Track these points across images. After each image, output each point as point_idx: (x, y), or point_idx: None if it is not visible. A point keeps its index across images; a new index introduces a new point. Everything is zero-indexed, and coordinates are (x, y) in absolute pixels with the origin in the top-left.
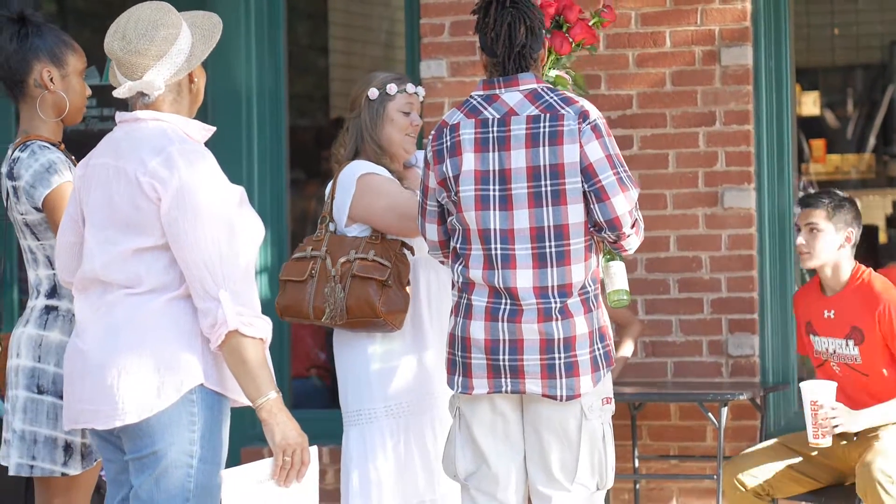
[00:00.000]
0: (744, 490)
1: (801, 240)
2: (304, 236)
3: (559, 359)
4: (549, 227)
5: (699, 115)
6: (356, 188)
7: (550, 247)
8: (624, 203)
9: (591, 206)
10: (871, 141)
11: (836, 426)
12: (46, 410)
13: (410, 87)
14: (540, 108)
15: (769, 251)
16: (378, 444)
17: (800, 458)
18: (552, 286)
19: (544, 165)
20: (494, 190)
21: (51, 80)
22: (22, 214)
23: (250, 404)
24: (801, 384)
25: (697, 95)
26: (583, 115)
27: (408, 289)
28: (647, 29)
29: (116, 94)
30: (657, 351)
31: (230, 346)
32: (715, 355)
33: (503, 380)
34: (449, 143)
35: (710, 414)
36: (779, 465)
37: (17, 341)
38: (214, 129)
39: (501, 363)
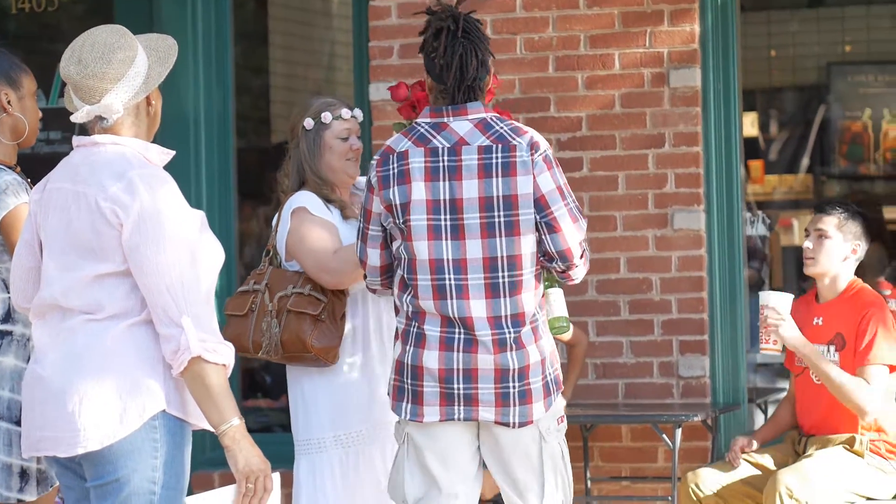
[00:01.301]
0: (698, 501)
1: (808, 244)
2: (245, 258)
3: (513, 388)
4: (502, 257)
5: (648, 136)
6: (290, 224)
7: (504, 276)
8: (575, 234)
9: (543, 236)
10: (807, 161)
11: (776, 326)
12: (2, 437)
13: (346, 113)
14: (491, 139)
15: (719, 272)
16: (327, 475)
17: (758, 473)
18: (505, 315)
19: (497, 196)
20: (446, 220)
21: (8, 102)
22: None
23: (210, 428)
24: (760, 292)
25: (647, 117)
26: (534, 147)
27: (348, 322)
28: (597, 51)
29: (74, 118)
30: (608, 372)
31: (193, 372)
32: (666, 376)
33: (456, 407)
34: (396, 170)
35: (664, 435)
36: (735, 478)
37: None
38: (174, 152)
39: (455, 391)
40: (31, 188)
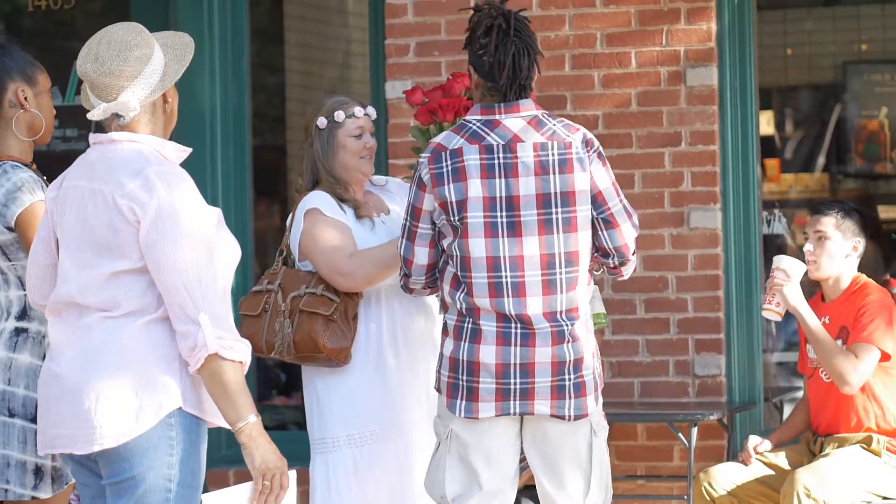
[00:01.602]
0: (711, 501)
1: (808, 247)
2: (261, 255)
3: (569, 380)
4: (559, 253)
5: (665, 135)
6: (303, 224)
7: (561, 273)
8: (630, 230)
9: (599, 232)
10: (824, 160)
11: (780, 286)
12: (17, 434)
13: (359, 111)
14: (545, 136)
15: (735, 271)
16: (341, 473)
17: (772, 473)
18: (561, 311)
19: (555, 193)
20: (502, 217)
21: (25, 98)
22: None
23: (226, 426)
24: (775, 257)
25: (663, 116)
26: (588, 143)
27: (361, 323)
28: (613, 49)
29: (91, 116)
30: (623, 371)
31: (210, 369)
32: (681, 375)
33: (511, 402)
34: (451, 168)
35: (680, 434)
36: (749, 478)
37: None
38: (190, 150)
39: (512, 386)
40: (47, 186)
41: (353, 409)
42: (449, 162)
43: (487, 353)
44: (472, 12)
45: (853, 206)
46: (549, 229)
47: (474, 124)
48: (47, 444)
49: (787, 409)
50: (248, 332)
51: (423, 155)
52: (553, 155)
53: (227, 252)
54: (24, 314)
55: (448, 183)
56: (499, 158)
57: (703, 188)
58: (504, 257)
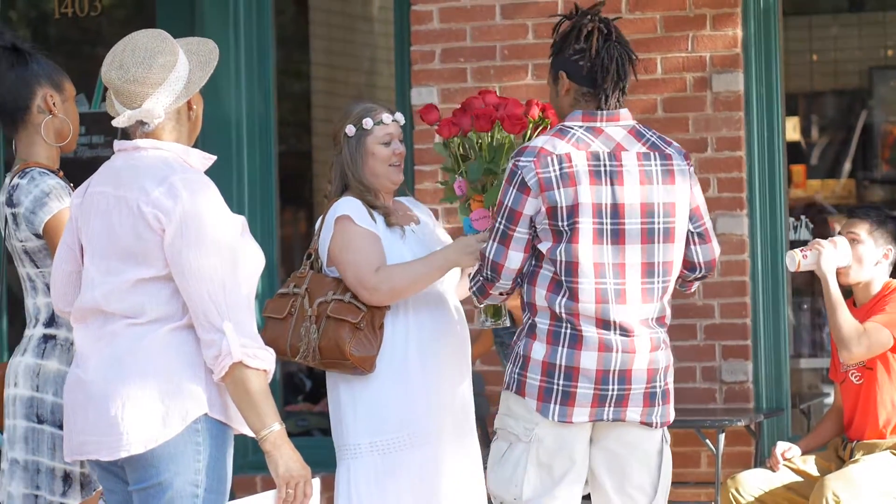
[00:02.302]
0: None
1: (837, 237)
2: (287, 262)
3: (659, 387)
4: (658, 262)
5: (691, 141)
6: (333, 230)
7: (658, 282)
8: (717, 246)
9: (692, 246)
10: (850, 166)
11: (820, 247)
12: (46, 440)
13: (387, 117)
14: (646, 146)
15: (762, 277)
16: (362, 481)
17: (800, 479)
18: (654, 318)
19: (658, 203)
20: (606, 224)
21: (53, 104)
22: (21, 241)
23: (250, 434)
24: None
25: (689, 122)
26: (687, 157)
27: (388, 331)
28: (639, 55)
29: (115, 123)
30: None
31: (234, 377)
32: (708, 381)
33: (606, 408)
34: (559, 172)
35: (707, 440)
36: (777, 484)
37: (15, 370)
38: (215, 157)
39: (609, 392)
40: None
41: (376, 417)
42: (557, 166)
43: (589, 359)
44: (559, 19)
45: (890, 214)
46: (650, 238)
47: (577, 130)
48: (74, 451)
49: (815, 416)
50: (273, 335)
51: (522, 159)
52: (655, 165)
53: (252, 260)
54: (52, 321)
55: (558, 187)
56: (605, 166)
57: (729, 194)
58: (607, 263)
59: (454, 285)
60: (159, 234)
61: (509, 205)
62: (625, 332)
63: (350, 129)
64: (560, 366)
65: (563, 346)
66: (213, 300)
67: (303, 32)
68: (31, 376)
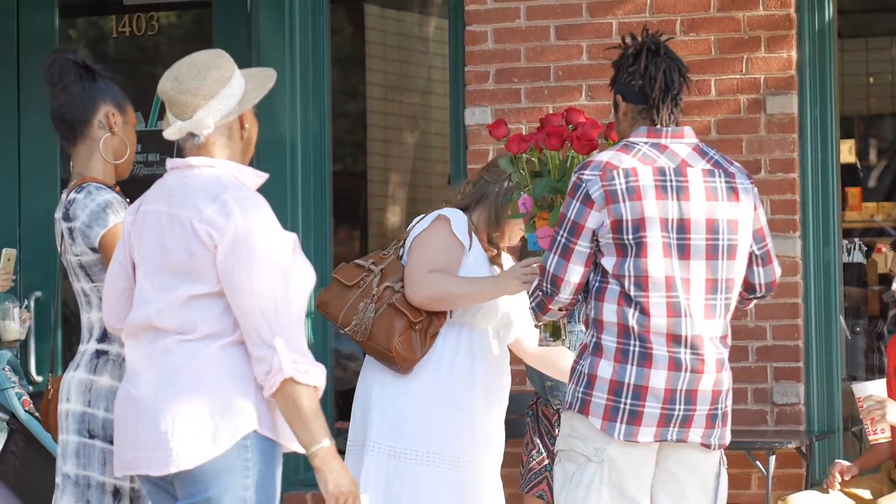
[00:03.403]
0: None
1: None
2: None
3: (720, 409)
4: (722, 279)
5: (744, 163)
6: (428, 224)
7: (721, 299)
8: (778, 268)
9: (755, 267)
10: None
11: (882, 414)
12: (97, 455)
13: None
14: (710, 164)
15: (814, 299)
16: (372, 479)
17: (852, 502)
18: (718, 337)
19: (722, 219)
20: (673, 238)
21: (115, 123)
22: (77, 256)
23: (299, 450)
24: (853, 385)
25: (743, 143)
26: (748, 176)
27: (441, 344)
28: (693, 77)
29: (166, 134)
30: None
31: (284, 393)
32: (760, 403)
33: (671, 429)
34: (625, 186)
35: (758, 462)
36: None
37: (68, 386)
38: (267, 175)
39: (676, 412)
40: None
41: (403, 424)
42: (623, 180)
43: (658, 378)
44: (616, 51)
45: None
46: (714, 255)
47: (642, 146)
48: (124, 466)
49: (867, 439)
50: (332, 297)
51: (587, 172)
52: (720, 182)
53: (303, 277)
54: (105, 336)
55: (624, 201)
56: (671, 181)
57: (782, 216)
58: (673, 278)
59: (511, 335)
60: (212, 251)
61: (572, 217)
62: (695, 349)
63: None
64: (629, 384)
65: (632, 364)
66: (264, 316)
67: (359, 52)
68: (83, 391)
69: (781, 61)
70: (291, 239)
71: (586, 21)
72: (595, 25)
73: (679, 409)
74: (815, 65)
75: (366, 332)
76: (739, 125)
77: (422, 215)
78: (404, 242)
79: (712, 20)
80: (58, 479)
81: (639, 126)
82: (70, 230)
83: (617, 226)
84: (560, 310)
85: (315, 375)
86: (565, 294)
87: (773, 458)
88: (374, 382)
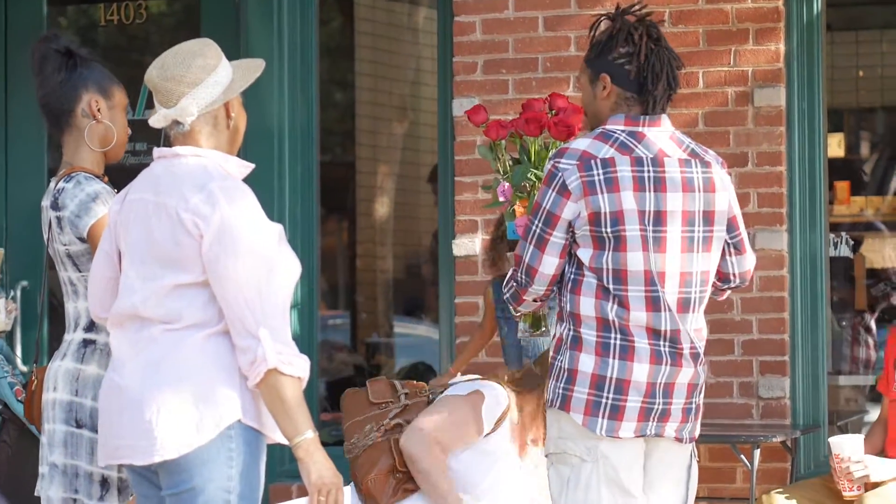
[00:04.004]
0: None
1: None
2: (328, 271)
3: (694, 403)
4: (695, 272)
5: (732, 155)
6: (465, 393)
7: (695, 292)
8: (752, 256)
9: (728, 257)
10: (895, 183)
11: (863, 476)
12: (85, 444)
13: None
14: (687, 153)
15: (800, 293)
16: None
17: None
18: (694, 330)
19: (698, 211)
20: (649, 231)
21: (98, 110)
22: (65, 245)
23: (283, 441)
24: (830, 439)
25: (730, 136)
26: (723, 165)
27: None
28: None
29: (151, 122)
30: None
31: (268, 384)
32: (745, 397)
33: (649, 423)
34: (603, 177)
35: (742, 456)
36: (812, 502)
37: (54, 375)
38: (253, 165)
39: (655, 406)
40: None
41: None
42: (601, 171)
43: (640, 372)
44: (596, 20)
45: None
46: (689, 247)
47: (619, 134)
48: (108, 455)
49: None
50: (352, 404)
51: (563, 161)
52: (697, 172)
53: (288, 268)
54: (92, 326)
55: (602, 192)
56: (648, 172)
57: (769, 209)
58: (649, 271)
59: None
60: (197, 241)
61: (547, 207)
62: (674, 342)
63: None
64: (611, 378)
65: (613, 358)
66: (249, 307)
67: (348, 42)
68: (70, 381)
69: (769, 54)
70: (277, 229)
71: (575, 12)
72: (584, 17)
73: (658, 403)
74: (803, 57)
75: (356, 456)
76: (727, 118)
77: (473, 378)
78: (443, 391)
79: (700, 12)
80: (43, 469)
81: (618, 112)
82: (58, 219)
83: (594, 218)
84: (535, 300)
85: (299, 366)
86: (539, 285)
87: (757, 452)
88: None
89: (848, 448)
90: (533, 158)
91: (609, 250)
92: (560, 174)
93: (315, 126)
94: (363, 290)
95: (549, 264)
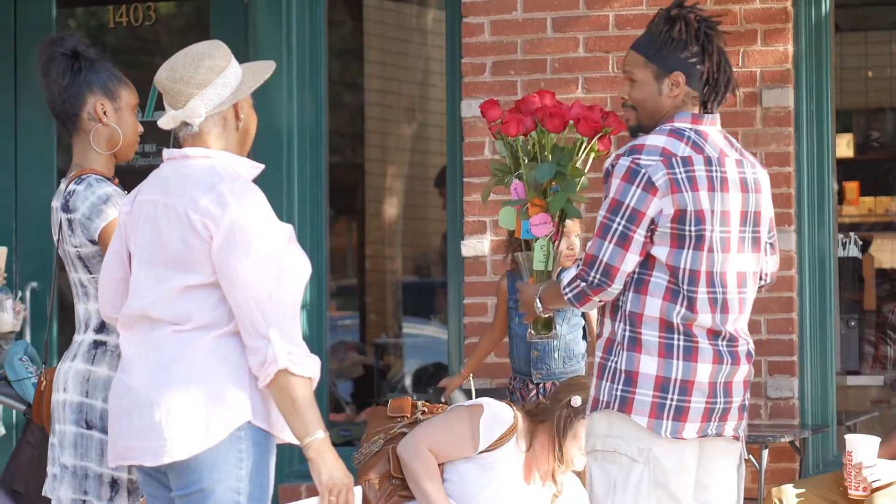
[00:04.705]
0: None
1: None
2: (337, 272)
3: (746, 399)
4: (748, 273)
5: None
6: (467, 405)
7: (747, 292)
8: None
9: (765, 256)
10: None
11: (875, 481)
12: (95, 446)
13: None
14: (738, 153)
15: (809, 293)
16: None
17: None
18: (744, 329)
19: (751, 212)
20: (717, 231)
21: (104, 113)
22: (76, 247)
23: (293, 441)
24: (847, 436)
25: (738, 137)
26: (762, 167)
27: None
28: None
29: (161, 123)
30: None
31: (279, 384)
32: (754, 397)
33: (711, 423)
34: (684, 175)
35: (751, 456)
36: (822, 499)
37: (64, 376)
38: (263, 166)
39: (716, 406)
40: None
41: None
42: (682, 169)
43: (704, 372)
44: (656, 15)
45: None
46: (743, 247)
47: (689, 132)
48: (118, 456)
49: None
50: (374, 417)
51: (643, 157)
52: (748, 173)
53: (298, 268)
54: (102, 327)
55: (686, 190)
56: (716, 171)
57: (778, 210)
58: (717, 272)
59: None
60: (207, 242)
61: (632, 204)
62: (731, 342)
63: (576, 401)
64: (675, 380)
65: (677, 359)
66: (259, 308)
67: (358, 44)
68: (81, 382)
69: (778, 55)
70: (287, 230)
71: (583, 13)
72: (592, 18)
73: (720, 402)
74: (812, 58)
75: (362, 464)
76: (735, 118)
77: (478, 401)
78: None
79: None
80: (53, 470)
81: (683, 110)
82: (69, 221)
83: (679, 216)
84: (600, 302)
85: (309, 367)
86: (618, 285)
87: (766, 452)
88: None
89: (863, 450)
90: (550, 155)
91: (689, 249)
92: (643, 170)
93: (324, 127)
94: (372, 291)
95: (631, 262)
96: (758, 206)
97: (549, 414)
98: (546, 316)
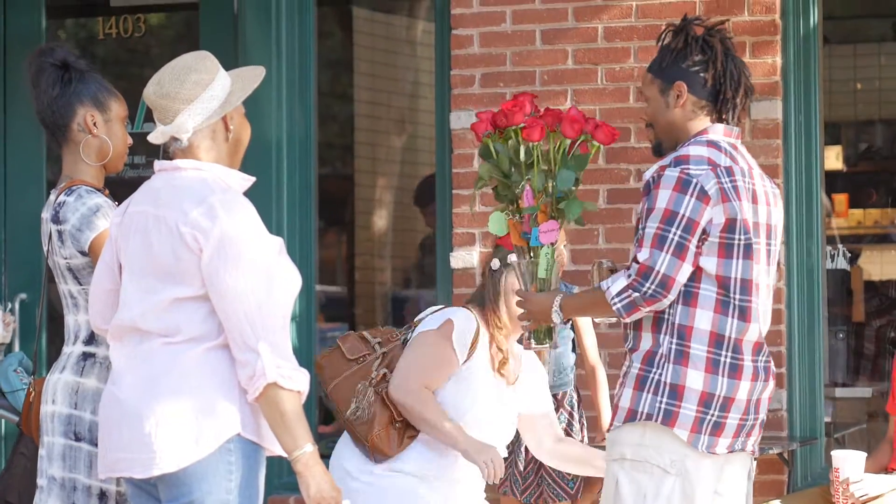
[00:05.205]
0: None
1: None
2: (327, 283)
3: (764, 416)
4: (771, 285)
5: None
6: (436, 324)
7: (768, 304)
8: None
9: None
10: (893, 196)
11: (862, 496)
12: (83, 458)
13: None
14: (759, 167)
15: (797, 305)
16: None
17: None
18: (765, 343)
19: (772, 225)
20: (761, 242)
21: (94, 124)
22: (66, 258)
23: (283, 454)
24: (833, 452)
25: None
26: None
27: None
28: None
29: (150, 138)
30: None
31: (268, 398)
32: None
33: (740, 439)
34: (730, 185)
35: None
36: None
37: (53, 387)
38: (254, 179)
39: (748, 422)
40: None
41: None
42: (727, 178)
43: (744, 389)
44: (662, 31)
45: None
46: (766, 259)
47: (725, 144)
48: (108, 468)
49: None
50: (329, 364)
51: (692, 167)
52: (768, 187)
53: (288, 281)
54: (91, 339)
55: (734, 200)
56: (749, 183)
57: None
58: (753, 283)
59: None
60: (197, 254)
61: (687, 214)
62: (766, 357)
63: (495, 263)
64: (718, 396)
65: (723, 376)
66: (248, 321)
67: (347, 55)
68: (69, 394)
69: (766, 67)
70: (277, 243)
71: (572, 25)
72: (581, 30)
73: (751, 419)
74: (800, 71)
75: (368, 417)
76: None
77: (439, 307)
78: (413, 329)
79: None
80: (41, 482)
81: (696, 121)
82: (59, 232)
83: (730, 225)
84: (648, 313)
85: (298, 380)
86: (673, 296)
87: (754, 464)
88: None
89: (849, 466)
90: (555, 162)
91: (738, 258)
92: (695, 180)
93: (313, 139)
94: (361, 303)
95: (686, 273)
96: (775, 219)
97: (482, 293)
98: (549, 325)
